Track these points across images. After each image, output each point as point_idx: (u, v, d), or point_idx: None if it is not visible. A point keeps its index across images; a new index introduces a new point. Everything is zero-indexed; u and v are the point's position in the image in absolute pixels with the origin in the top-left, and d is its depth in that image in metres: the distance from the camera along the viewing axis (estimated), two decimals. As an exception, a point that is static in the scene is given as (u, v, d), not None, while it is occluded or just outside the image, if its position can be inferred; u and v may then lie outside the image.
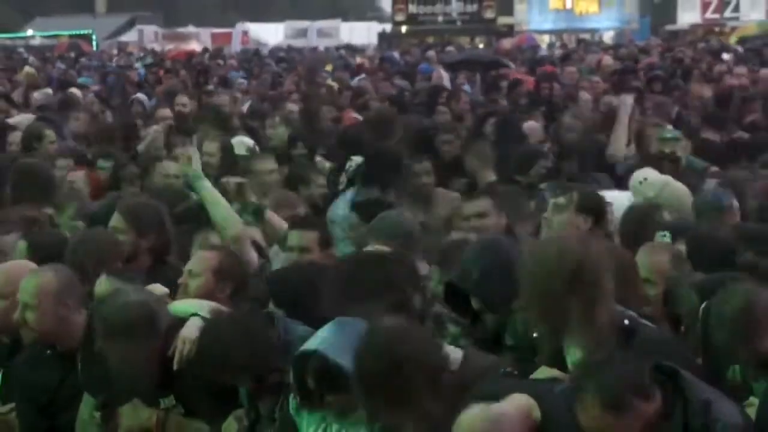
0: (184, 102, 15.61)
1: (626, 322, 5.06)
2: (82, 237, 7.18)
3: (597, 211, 7.32)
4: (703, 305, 5.60)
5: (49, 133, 11.96)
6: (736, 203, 7.76)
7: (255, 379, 5.54)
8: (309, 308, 5.76)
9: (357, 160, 9.65)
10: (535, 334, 5.04)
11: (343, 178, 9.60)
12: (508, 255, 5.65)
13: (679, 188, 8.47)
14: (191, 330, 5.71)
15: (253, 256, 7.03)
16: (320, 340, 5.09)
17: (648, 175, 8.61)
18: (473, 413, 4.37)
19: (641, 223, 7.35)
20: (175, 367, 5.72)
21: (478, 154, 10.54)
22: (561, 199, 7.19)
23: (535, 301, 4.89)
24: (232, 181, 7.77)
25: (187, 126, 12.89)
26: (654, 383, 4.42)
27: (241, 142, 11.54)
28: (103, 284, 6.41)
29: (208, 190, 7.28)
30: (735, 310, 5.13)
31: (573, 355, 4.86)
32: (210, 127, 12.10)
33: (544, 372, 4.92)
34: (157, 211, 7.39)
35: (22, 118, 14.67)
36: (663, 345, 5.18)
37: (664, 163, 9.54)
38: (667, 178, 8.59)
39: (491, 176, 10.13)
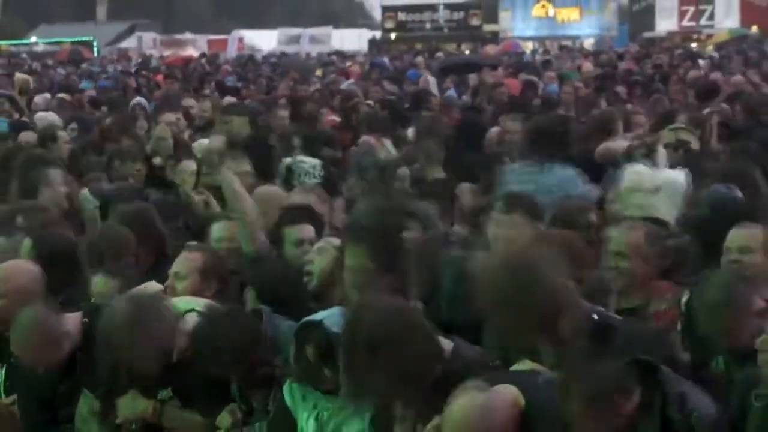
0: (191, 104, 15.52)
1: (595, 316, 5.06)
2: (103, 231, 7.30)
3: (540, 216, 7.18)
4: (686, 297, 5.61)
5: (62, 134, 11.96)
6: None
7: (246, 370, 5.54)
8: (293, 303, 5.81)
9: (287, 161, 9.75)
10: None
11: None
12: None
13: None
14: (190, 325, 5.74)
15: (264, 239, 6.99)
16: (325, 315, 5.15)
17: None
18: (463, 401, 4.37)
19: None
20: (174, 359, 5.74)
21: (426, 153, 10.52)
22: (504, 208, 7.08)
23: (499, 326, 4.90)
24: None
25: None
26: (633, 378, 4.43)
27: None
28: (98, 283, 6.44)
29: (229, 178, 7.22)
30: (716, 299, 5.14)
31: (548, 353, 4.86)
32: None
33: (525, 365, 4.92)
34: (150, 216, 7.49)
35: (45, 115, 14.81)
36: (641, 337, 5.19)
37: (679, 151, 9.47)
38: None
39: (439, 173, 10.12)
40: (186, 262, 6.45)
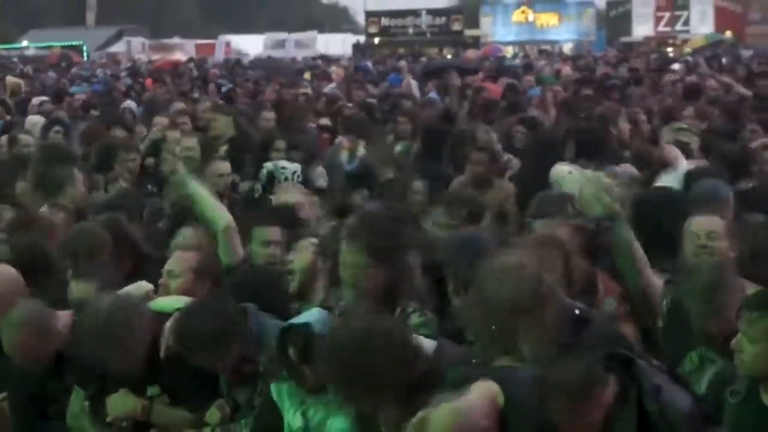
0: (181, 107, 15.46)
1: (577, 312, 5.08)
2: (77, 231, 7.17)
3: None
4: (666, 299, 5.63)
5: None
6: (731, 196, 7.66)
7: (230, 360, 5.55)
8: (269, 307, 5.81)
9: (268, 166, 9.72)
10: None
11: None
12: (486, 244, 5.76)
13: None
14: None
15: (240, 247, 6.97)
16: (307, 317, 5.17)
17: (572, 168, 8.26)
18: (441, 411, 4.39)
19: None
20: (162, 355, 5.73)
21: (378, 153, 10.53)
22: (447, 217, 7.07)
23: (484, 329, 4.89)
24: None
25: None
26: (610, 371, 4.44)
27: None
28: (75, 288, 6.43)
29: (195, 187, 7.19)
30: (706, 283, 5.17)
31: (528, 350, 4.87)
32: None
33: (504, 360, 4.93)
34: (119, 224, 7.39)
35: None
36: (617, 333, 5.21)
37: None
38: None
39: (390, 174, 10.12)
40: (180, 261, 6.42)
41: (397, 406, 4.76)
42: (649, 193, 7.73)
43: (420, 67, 29.10)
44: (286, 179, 9.36)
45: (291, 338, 5.14)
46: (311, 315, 5.26)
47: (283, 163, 9.81)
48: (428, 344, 5.01)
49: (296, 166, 9.61)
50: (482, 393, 4.49)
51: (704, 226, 6.21)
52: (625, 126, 11.23)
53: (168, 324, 5.74)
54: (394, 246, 5.72)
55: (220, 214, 6.96)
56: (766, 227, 7.14)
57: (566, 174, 8.42)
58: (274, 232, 7.07)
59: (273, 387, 5.39)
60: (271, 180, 9.51)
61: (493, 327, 4.78)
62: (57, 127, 13.58)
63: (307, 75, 28.79)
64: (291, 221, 7.33)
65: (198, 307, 5.67)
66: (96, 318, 5.63)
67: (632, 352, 4.72)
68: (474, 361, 4.92)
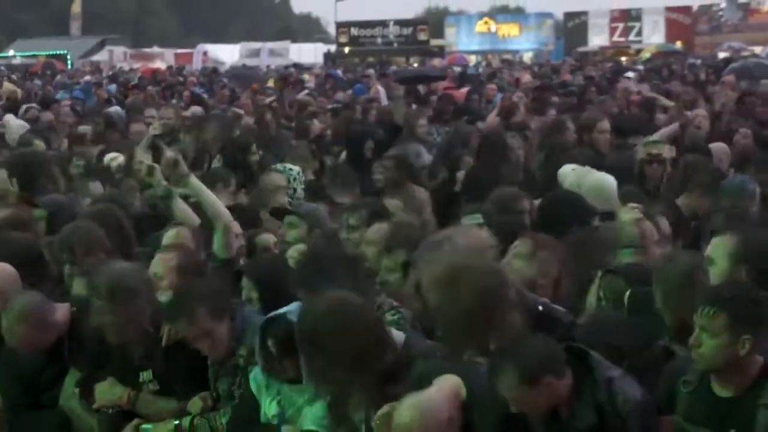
0: (153, 114, 15.37)
1: (540, 308, 5.07)
2: (74, 227, 7.04)
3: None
4: (628, 292, 5.61)
5: (39, 143, 11.87)
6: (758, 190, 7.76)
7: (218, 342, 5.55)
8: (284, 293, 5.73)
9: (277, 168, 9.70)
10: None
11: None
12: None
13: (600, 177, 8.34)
14: None
15: (235, 243, 6.93)
16: (288, 309, 5.13)
17: (573, 166, 8.60)
18: (405, 404, 4.40)
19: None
20: (164, 342, 5.74)
21: (299, 157, 10.60)
22: (351, 220, 7.04)
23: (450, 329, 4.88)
24: (146, 163, 7.40)
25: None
26: (566, 363, 4.43)
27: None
28: (78, 286, 6.42)
29: (196, 184, 7.14)
30: (680, 274, 5.16)
31: (492, 342, 4.86)
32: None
33: (470, 356, 4.92)
34: (114, 215, 7.36)
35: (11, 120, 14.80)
36: (584, 327, 5.22)
37: (653, 165, 9.24)
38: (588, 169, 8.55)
39: (310, 176, 10.25)
40: (162, 262, 6.35)
41: (367, 393, 4.75)
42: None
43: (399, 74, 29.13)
44: (294, 179, 9.31)
45: (272, 330, 5.12)
46: (293, 307, 5.20)
47: (289, 165, 9.75)
48: (398, 336, 5.00)
49: (298, 167, 9.57)
50: (446, 386, 4.49)
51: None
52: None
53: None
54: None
55: (222, 212, 6.91)
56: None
57: (569, 171, 8.52)
58: (267, 239, 7.08)
59: (251, 378, 5.38)
60: None
61: (458, 326, 4.78)
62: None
63: (270, 82, 28.70)
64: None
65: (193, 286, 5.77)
66: (106, 277, 5.68)
67: (611, 343, 4.73)
68: (439, 354, 4.92)
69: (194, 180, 7.01)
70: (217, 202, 6.95)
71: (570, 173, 8.50)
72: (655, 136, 10.51)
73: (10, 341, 5.99)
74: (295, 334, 4.79)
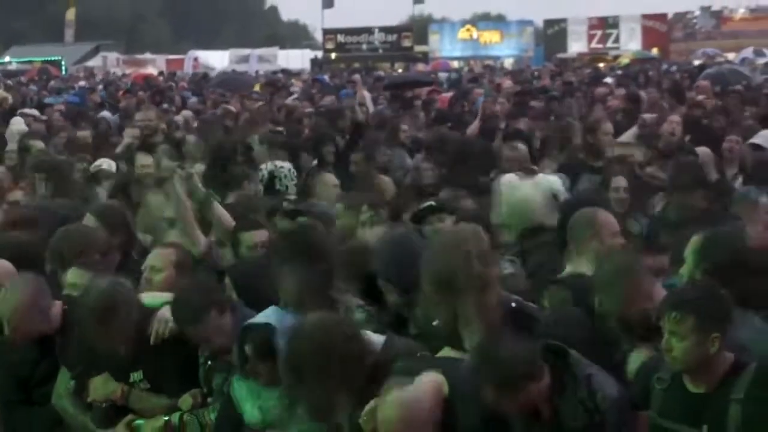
0: (142, 117, 15.33)
1: (513, 304, 5.08)
2: (65, 231, 6.99)
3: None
4: (551, 300, 5.64)
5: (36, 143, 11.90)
6: (765, 199, 7.62)
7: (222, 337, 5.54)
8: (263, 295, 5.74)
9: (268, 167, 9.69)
10: (435, 323, 5.03)
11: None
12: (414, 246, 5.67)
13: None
14: (167, 312, 5.73)
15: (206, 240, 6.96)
16: (265, 317, 5.19)
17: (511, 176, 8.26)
18: (388, 401, 4.40)
19: None
20: (152, 342, 5.72)
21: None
22: (372, 215, 7.05)
23: (433, 297, 4.88)
24: (181, 171, 7.43)
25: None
26: (543, 362, 4.44)
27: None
28: (71, 274, 6.38)
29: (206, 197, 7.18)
30: (615, 272, 5.16)
31: (469, 339, 4.86)
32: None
33: (447, 352, 4.93)
34: (122, 213, 7.38)
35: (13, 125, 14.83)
36: (556, 323, 5.23)
37: (624, 166, 9.22)
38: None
39: None
40: (161, 256, 6.38)
41: (351, 397, 4.75)
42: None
43: (385, 81, 29.17)
44: (285, 176, 9.28)
45: (249, 337, 5.16)
46: (268, 314, 5.27)
47: (280, 162, 9.72)
48: (377, 338, 5.01)
49: (290, 164, 9.56)
50: (428, 383, 4.49)
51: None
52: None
53: (160, 315, 5.74)
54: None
55: (188, 214, 6.93)
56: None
57: (506, 183, 8.37)
58: (261, 235, 7.02)
59: (234, 382, 5.39)
60: (272, 179, 9.42)
61: (434, 300, 4.80)
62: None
63: (256, 87, 28.66)
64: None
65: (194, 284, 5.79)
66: (91, 295, 5.65)
67: (587, 338, 4.74)
68: (419, 354, 4.92)
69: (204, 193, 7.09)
70: (186, 204, 7.03)
71: (505, 185, 8.32)
72: (623, 138, 10.55)
73: (6, 317, 5.93)
74: (285, 353, 4.82)
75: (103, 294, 5.63)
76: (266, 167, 9.71)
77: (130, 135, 12.57)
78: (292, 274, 5.36)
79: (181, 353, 5.70)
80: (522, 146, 9.92)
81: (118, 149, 12.14)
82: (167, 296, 5.86)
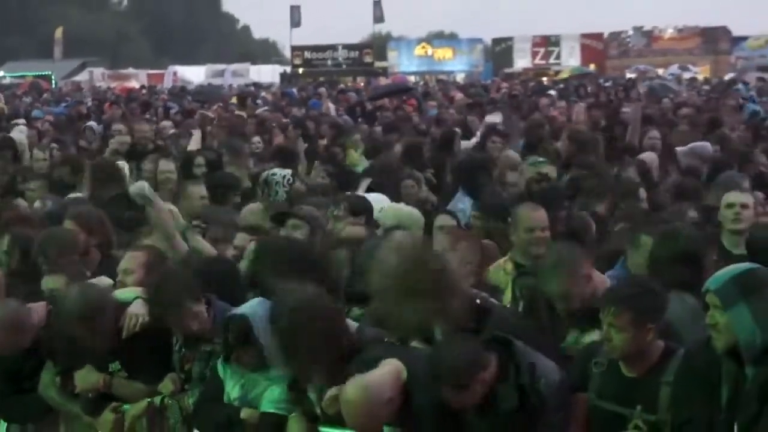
0: (120, 128, 15.20)
1: (478, 301, 5.07)
2: (48, 233, 6.98)
3: (367, 211, 7.12)
4: (519, 288, 5.66)
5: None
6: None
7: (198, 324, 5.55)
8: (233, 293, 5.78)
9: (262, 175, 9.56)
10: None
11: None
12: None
13: (412, 211, 7.76)
14: (137, 307, 5.73)
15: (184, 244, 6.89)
16: (246, 307, 5.21)
17: (382, 204, 7.97)
18: (351, 384, 4.42)
19: None
20: (123, 335, 5.71)
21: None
22: (336, 211, 7.00)
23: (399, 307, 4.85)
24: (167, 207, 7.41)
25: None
26: (490, 352, 4.45)
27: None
28: (48, 281, 6.37)
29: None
30: (555, 262, 5.19)
31: (438, 333, 4.88)
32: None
33: (416, 343, 4.95)
34: (100, 216, 7.30)
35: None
36: (506, 319, 5.21)
37: (540, 183, 9.03)
38: (399, 205, 8.07)
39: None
40: (132, 259, 6.34)
41: (325, 372, 4.79)
42: None
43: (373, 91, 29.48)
44: (277, 183, 9.19)
45: (231, 326, 5.17)
46: (251, 305, 5.27)
47: (275, 169, 9.61)
48: (351, 324, 5.07)
49: (286, 171, 9.38)
50: (388, 369, 4.51)
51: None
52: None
53: (131, 310, 5.72)
54: None
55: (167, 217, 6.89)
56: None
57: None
58: (242, 238, 7.02)
59: (218, 364, 5.40)
60: (267, 186, 9.35)
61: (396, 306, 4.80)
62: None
63: (233, 99, 28.56)
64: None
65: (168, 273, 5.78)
66: (71, 302, 5.62)
67: (527, 337, 4.74)
68: (386, 341, 4.93)
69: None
70: (163, 208, 7.03)
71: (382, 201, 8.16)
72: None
73: None
74: (270, 324, 4.87)
75: (82, 300, 5.62)
76: (262, 175, 9.61)
77: (117, 142, 12.50)
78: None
79: (153, 342, 5.71)
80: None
81: (105, 154, 12.08)
82: (139, 291, 5.86)
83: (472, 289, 5.27)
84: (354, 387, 4.44)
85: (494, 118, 13.77)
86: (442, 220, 7.16)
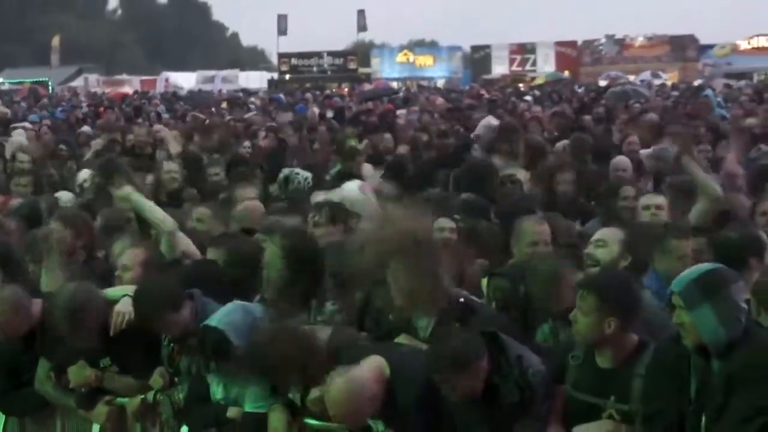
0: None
1: (461, 299, 5.08)
2: (38, 232, 6.96)
3: (346, 217, 6.96)
4: (491, 289, 5.66)
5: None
6: None
7: (179, 328, 5.53)
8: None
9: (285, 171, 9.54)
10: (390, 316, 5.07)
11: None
12: None
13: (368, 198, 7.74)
14: (124, 305, 5.71)
15: (181, 246, 6.82)
16: (221, 316, 5.15)
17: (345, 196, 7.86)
18: (335, 383, 4.44)
19: None
20: (111, 333, 5.70)
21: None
22: (317, 218, 6.95)
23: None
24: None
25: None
26: (484, 345, 4.45)
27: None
28: (44, 277, 6.38)
29: (140, 199, 7.03)
30: (549, 274, 5.20)
31: (423, 328, 4.89)
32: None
33: (402, 339, 4.93)
34: (85, 218, 7.26)
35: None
36: (492, 317, 5.23)
37: (507, 185, 9.00)
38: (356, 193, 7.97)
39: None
40: (131, 255, 6.29)
41: (302, 379, 4.87)
42: None
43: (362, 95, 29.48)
44: (299, 183, 9.15)
45: (207, 340, 5.14)
46: (228, 311, 5.23)
47: (298, 170, 9.56)
48: (323, 333, 5.04)
49: (308, 174, 9.38)
50: (371, 365, 4.51)
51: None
52: None
53: (118, 308, 5.70)
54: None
55: (165, 219, 6.81)
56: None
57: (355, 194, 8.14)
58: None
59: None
60: (287, 183, 9.27)
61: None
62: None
63: (224, 104, 28.56)
64: None
65: (154, 284, 5.68)
66: (60, 299, 5.62)
67: (510, 333, 4.76)
68: (361, 342, 4.93)
69: (135, 195, 6.97)
70: (159, 210, 6.88)
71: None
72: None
73: None
74: (247, 359, 4.91)
75: (70, 297, 5.62)
76: (284, 172, 9.56)
77: (98, 144, 12.51)
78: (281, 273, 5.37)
79: (142, 338, 5.68)
80: None
81: (87, 156, 12.21)
82: (128, 289, 5.84)
83: (454, 288, 5.26)
84: (337, 382, 4.46)
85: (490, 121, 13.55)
86: (441, 222, 7.03)
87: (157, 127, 16.32)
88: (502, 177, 9.11)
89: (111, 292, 5.90)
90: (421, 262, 4.80)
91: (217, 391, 5.28)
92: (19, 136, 14.93)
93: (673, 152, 9.23)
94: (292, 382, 4.90)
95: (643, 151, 11.15)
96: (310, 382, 4.80)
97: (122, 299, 5.74)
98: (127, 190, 7.02)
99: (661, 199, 7.39)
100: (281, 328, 4.92)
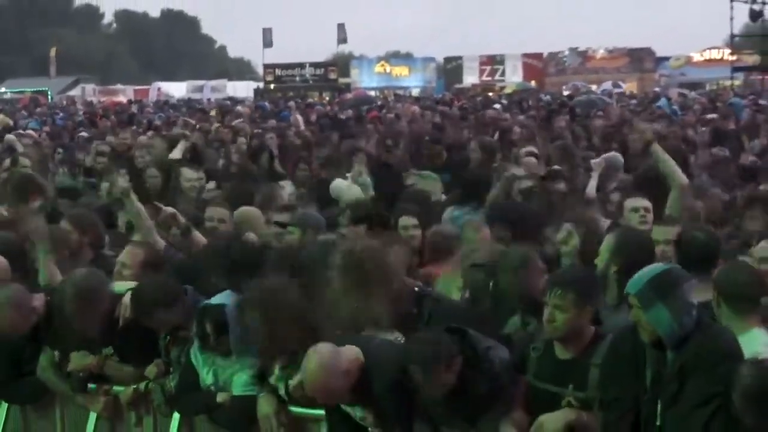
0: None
1: (416, 288, 5.13)
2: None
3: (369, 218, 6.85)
4: (492, 282, 5.65)
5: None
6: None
7: (173, 323, 5.55)
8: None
9: None
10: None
11: None
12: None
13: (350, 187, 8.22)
14: (128, 299, 5.70)
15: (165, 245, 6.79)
16: (222, 299, 5.24)
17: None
18: (311, 366, 4.49)
19: None
20: (120, 325, 5.70)
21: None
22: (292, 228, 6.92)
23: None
24: (166, 210, 7.18)
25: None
26: (457, 342, 4.48)
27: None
28: (42, 273, 6.34)
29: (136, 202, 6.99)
30: (515, 264, 5.17)
31: (387, 321, 4.93)
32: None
33: (370, 330, 4.95)
34: (92, 217, 7.23)
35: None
36: (455, 310, 5.23)
37: None
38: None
39: None
40: (131, 255, 6.27)
41: (286, 350, 4.88)
42: None
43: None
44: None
45: (207, 317, 5.18)
46: (224, 296, 5.28)
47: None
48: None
49: None
50: (346, 353, 4.54)
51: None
52: None
53: (125, 301, 5.69)
54: None
55: (146, 220, 6.80)
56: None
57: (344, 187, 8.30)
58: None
59: (191, 351, 5.41)
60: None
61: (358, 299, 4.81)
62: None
63: (213, 112, 28.44)
64: None
65: (149, 282, 5.68)
66: (72, 283, 5.62)
67: (466, 319, 4.77)
68: (338, 332, 4.93)
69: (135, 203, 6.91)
70: (143, 212, 6.84)
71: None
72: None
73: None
74: (243, 308, 4.91)
75: (84, 280, 5.61)
76: None
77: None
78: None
79: (142, 330, 5.67)
80: None
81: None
82: (133, 284, 5.83)
83: (409, 279, 5.34)
84: (313, 355, 4.50)
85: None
86: (404, 221, 7.00)
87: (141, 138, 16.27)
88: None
89: (117, 286, 5.89)
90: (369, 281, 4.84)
91: (207, 377, 5.32)
92: (14, 140, 14.75)
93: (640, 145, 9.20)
94: (286, 341, 4.86)
95: (594, 161, 11.09)
96: (294, 346, 4.79)
97: (128, 293, 5.74)
98: (127, 187, 6.97)
99: (647, 202, 7.14)
100: (281, 284, 4.95)
